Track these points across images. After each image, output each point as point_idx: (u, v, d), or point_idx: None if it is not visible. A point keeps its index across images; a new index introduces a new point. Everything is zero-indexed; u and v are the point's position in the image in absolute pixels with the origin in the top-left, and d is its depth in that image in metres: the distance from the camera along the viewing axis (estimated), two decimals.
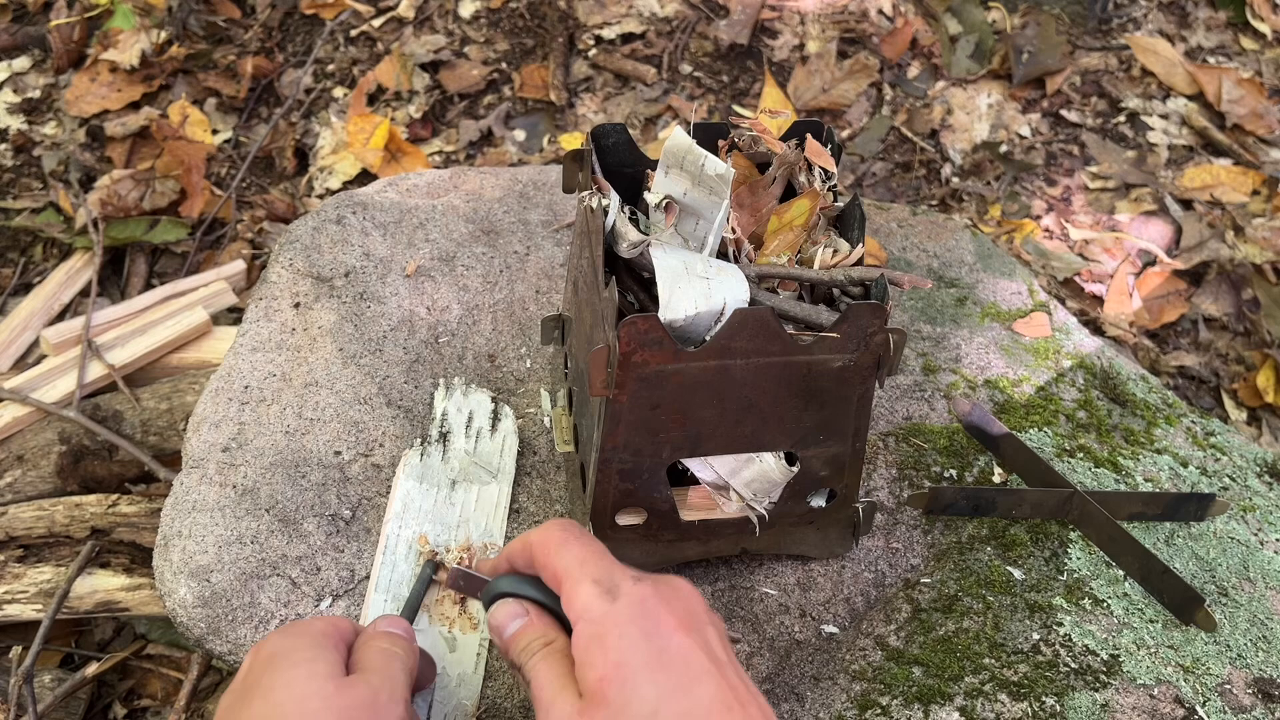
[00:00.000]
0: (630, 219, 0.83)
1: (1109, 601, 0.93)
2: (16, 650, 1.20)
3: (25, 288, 1.71)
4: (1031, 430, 1.07)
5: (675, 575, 0.70)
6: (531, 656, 0.66)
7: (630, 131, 0.88)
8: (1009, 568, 0.95)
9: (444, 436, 0.92)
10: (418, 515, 0.89)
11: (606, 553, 0.69)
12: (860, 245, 0.84)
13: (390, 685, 0.64)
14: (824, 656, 0.90)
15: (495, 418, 0.93)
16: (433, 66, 2.03)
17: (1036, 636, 0.89)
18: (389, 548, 0.87)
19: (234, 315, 1.59)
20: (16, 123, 1.93)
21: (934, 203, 1.90)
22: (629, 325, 0.73)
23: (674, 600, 0.65)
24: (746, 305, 0.76)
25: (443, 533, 0.89)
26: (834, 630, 0.93)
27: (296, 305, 1.10)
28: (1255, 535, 1.02)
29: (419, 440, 0.98)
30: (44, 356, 1.49)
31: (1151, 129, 2.00)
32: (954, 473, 1.03)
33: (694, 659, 0.62)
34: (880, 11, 2.14)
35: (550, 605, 0.70)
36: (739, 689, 0.63)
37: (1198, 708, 0.86)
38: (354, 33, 2.09)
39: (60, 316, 1.63)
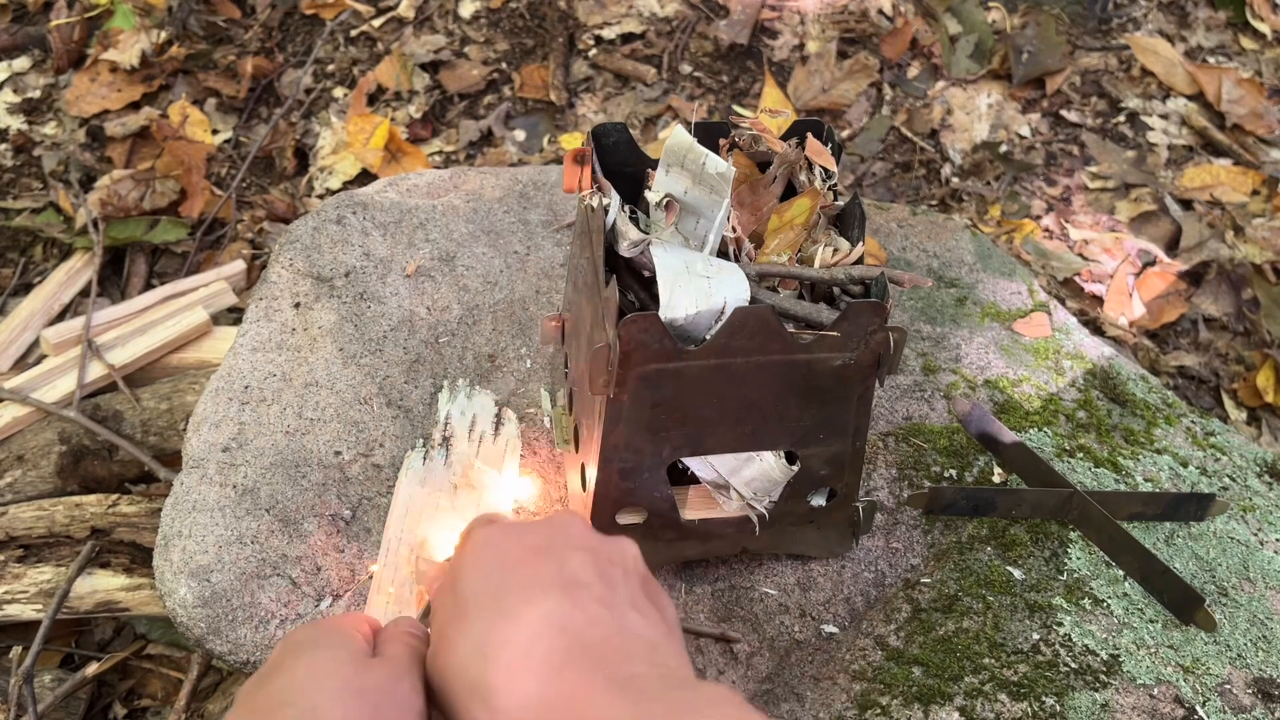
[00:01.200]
0: (630, 218, 0.83)
1: (1109, 601, 0.93)
2: (16, 650, 1.20)
3: (25, 288, 1.71)
4: (1031, 430, 1.07)
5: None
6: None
7: (630, 131, 0.88)
8: (1009, 568, 0.95)
9: (446, 440, 0.92)
10: (420, 519, 0.88)
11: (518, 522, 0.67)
12: (860, 244, 0.84)
13: (408, 672, 0.64)
14: (824, 656, 0.90)
15: (499, 421, 0.93)
16: (433, 66, 2.03)
17: (1036, 636, 0.89)
18: (391, 549, 0.87)
19: (234, 315, 1.59)
20: (16, 123, 1.93)
21: (934, 203, 1.90)
22: (629, 324, 0.73)
23: (549, 529, 0.61)
24: (747, 304, 0.76)
25: (445, 536, 0.89)
26: (834, 630, 0.93)
27: (297, 305, 1.10)
28: (1255, 535, 1.02)
29: (421, 443, 0.98)
30: (44, 356, 1.49)
31: (1151, 129, 2.00)
32: (954, 473, 1.03)
33: (530, 536, 0.58)
34: (880, 11, 2.14)
35: None
36: (590, 608, 0.55)
37: (1198, 708, 0.86)
38: (354, 33, 2.09)
39: (60, 316, 1.63)
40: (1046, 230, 1.86)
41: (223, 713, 1.16)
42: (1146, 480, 1.05)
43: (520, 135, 1.96)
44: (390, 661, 0.64)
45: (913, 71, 2.09)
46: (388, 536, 0.84)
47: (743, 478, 0.87)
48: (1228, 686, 0.88)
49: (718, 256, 0.82)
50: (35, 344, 1.58)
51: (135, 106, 1.95)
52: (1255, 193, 1.90)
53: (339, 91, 2.00)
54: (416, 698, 0.61)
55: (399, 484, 0.86)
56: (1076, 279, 1.78)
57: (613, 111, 1.99)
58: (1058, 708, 0.84)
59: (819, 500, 0.90)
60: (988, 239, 1.31)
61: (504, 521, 0.63)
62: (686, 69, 2.06)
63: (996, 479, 1.03)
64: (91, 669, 1.18)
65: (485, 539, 0.60)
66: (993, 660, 0.87)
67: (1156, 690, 0.87)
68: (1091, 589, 0.94)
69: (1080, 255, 1.82)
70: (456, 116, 1.98)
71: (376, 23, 2.10)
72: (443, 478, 0.88)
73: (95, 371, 1.41)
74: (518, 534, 0.60)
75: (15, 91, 1.98)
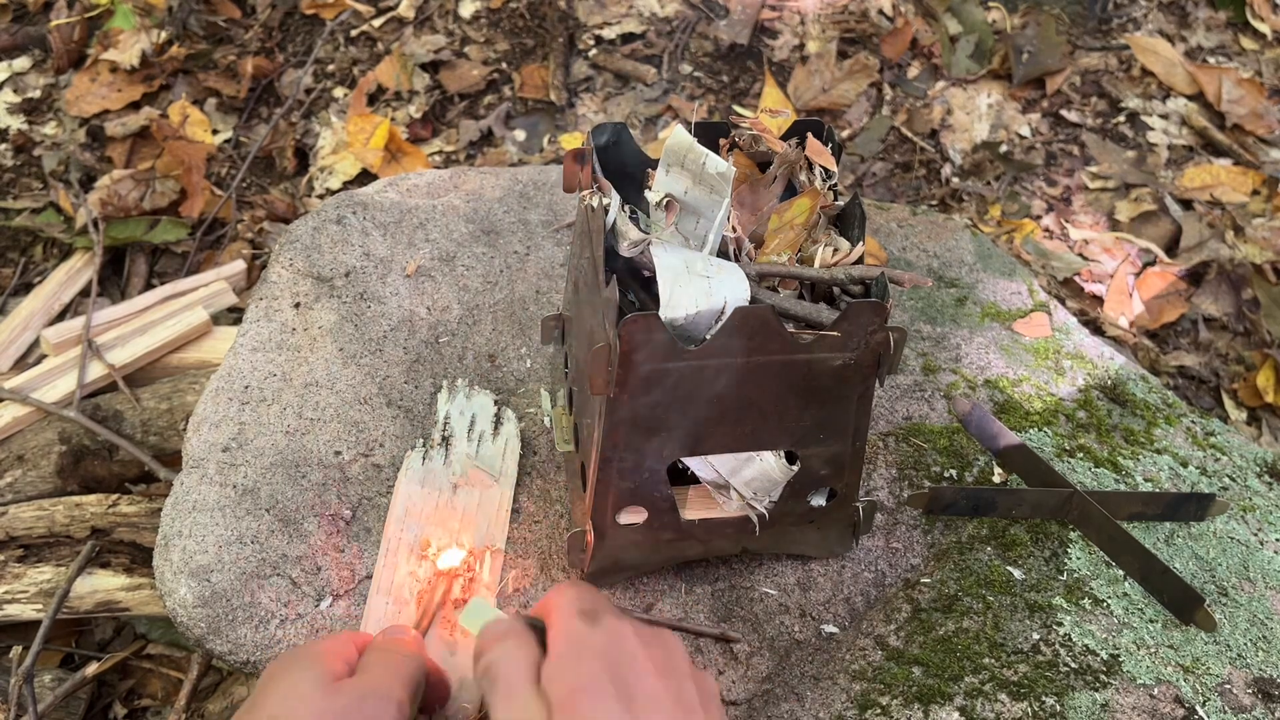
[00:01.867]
0: (631, 218, 0.83)
1: (1109, 601, 0.93)
2: (16, 650, 1.20)
3: (25, 288, 1.71)
4: (1031, 430, 1.07)
5: (669, 632, 0.69)
6: (502, 642, 0.66)
7: (630, 131, 0.88)
8: (1009, 568, 0.95)
9: (446, 440, 0.92)
10: (419, 519, 0.88)
11: (602, 596, 0.69)
12: (860, 244, 0.84)
13: (380, 689, 0.65)
14: (824, 656, 0.90)
15: (498, 421, 0.93)
16: (433, 66, 2.03)
17: (1036, 636, 0.89)
18: (390, 550, 0.87)
19: (234, 315, 1.59)
20: (16, 123, 1.93)
21: (934, 203, 1.90)
22: (629, 324, 0.73)
23: (655, 645, 0.65)
24: (747, 304, 0.76)
25: (444, 536, 0.89)
26: (834, 630, 0.93)
27: (297, 305, 1.10)
28: (1255, 535, 1.02)
29: (421, 443, 0.98)
30: (44, 356, 1.49)
31: (1151, 129, 2.00)
32: (954, 473, 1.03)
33: (662, 702, 0.62)
34: (880, 11, 2.14)
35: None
36: None
37: (1198, 708, 0.86)
38: (354, 33, 2.09)
39: (60, 316, 1.63)
40: (1046, 230, 1.86)
41: (223, 713, 1.16)
42: (1146, 480, 1.05)
43: (520, 135, 1.96)
44: (361, 681, 0.65)
45: (913, 71, 2.09)
46: (387, 536, 0.84)
47: (743, 478, 0.87)
48: (1228, 686, 0.88)
49: (718, 256, 0.82)
50: (35, 344, 1.58)
51: (135, 106, 1.95)
52: (1255, 193, 1.90)
53: (339, 91, 2.00)
54: (386, 713, 0.63)
55: (398, 484, 0.86)
56: (1076, 279, 1.78)
57: (613, 111, 1.99)
58: (1058, 708, 0.84)
59: (819, 500, 0.90)
60: (988, 239, 1.31)
61: (608, 625, 0.64)
62: (686, 69, 2.06)
63: (996, 479, 1.03)
64: (91, 669, 1.18)
65: (614, 628, 0.63)
66: (993, 660, 0.87)
67: (1156, 690, 0.87)
68: (1091, 589, 0.94)
69: (1080, 255, 1.82)
70: (456, 116, 1.98)
71: (376, 23, 2.10)
72: (443, 477, 0.87)
73: (95, 371, 1.41)
74: (638, 636, 0.63)
75: (15, 91, 1.98)
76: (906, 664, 0.87)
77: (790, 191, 0.88)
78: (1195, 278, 1.80)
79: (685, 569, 0.95)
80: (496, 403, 1.01)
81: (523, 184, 1.26)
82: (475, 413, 0.94)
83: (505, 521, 0.90)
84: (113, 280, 1.71)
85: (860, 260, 0.84)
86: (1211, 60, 2.12)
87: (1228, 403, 1.66)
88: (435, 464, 0.89)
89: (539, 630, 0.68)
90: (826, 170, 0.87)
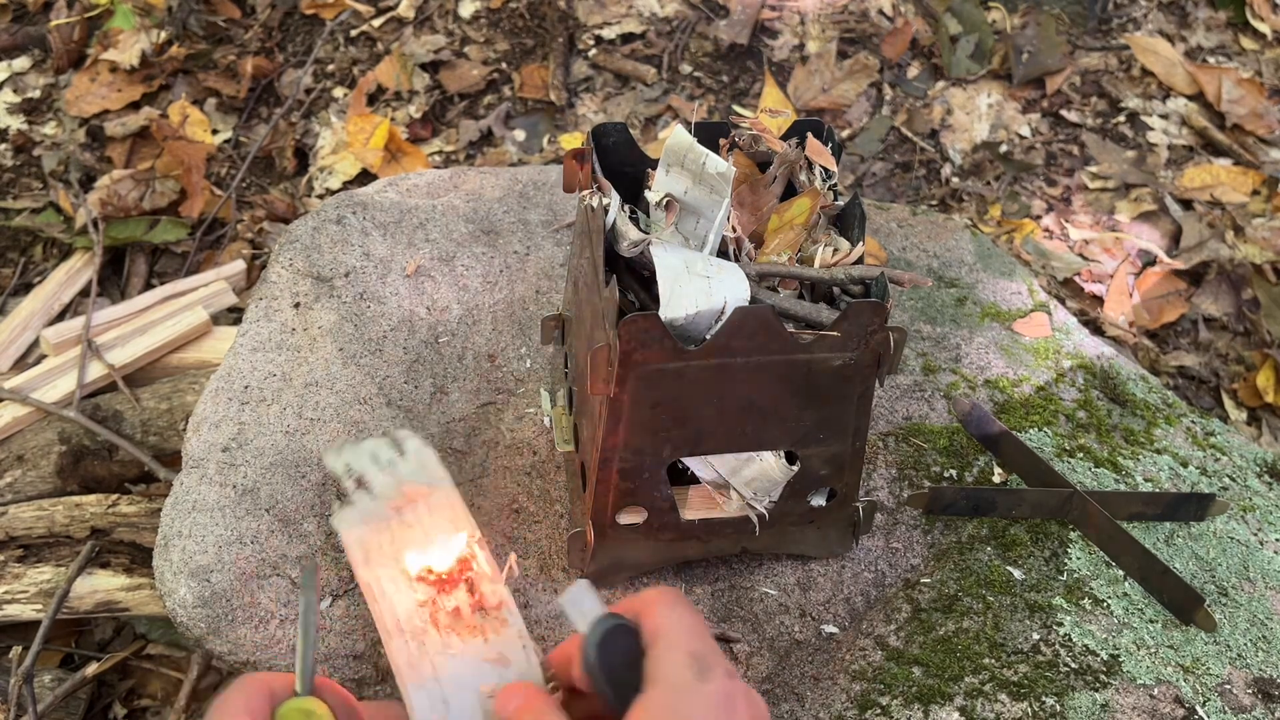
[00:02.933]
0: (631, 218, 0.83)
1: (1109, 601, 0.93)
2: (16, 650, 1.20)
3: (25, 288, 1.71)
4: (1031, 430, 1.07)
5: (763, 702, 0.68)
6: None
7: (630, 131, 0.88)
8: (1009, 568, 0.95)
9: (359, 481, 0.83)
10: (383, 554, 0.82)
11: (709, 632, 0.67)
12: (860, 244, 0.84)
13: None
14: (824, 656, 0.90)
15: (396, 444, 0.85)
16: (433, 66, 2.03)
17: (1036, 636, 0.89)
18: (376, 596, 0.80)
19: (234, 315, 1.59)
20: (16, 123, 1.93)
21: (934, 203, 1.90)
22: (629, 324, 0.73)
23: (757, 712, 0.64)
24: (747, 304, 0.76)
25: (418, 555, 0.83)
26: (834, 630, 0.93)
27: (296, 305, 1.10)
28: (1255, 535, 1.02)
29: (335, 502, 0.94)
30: (44, 356, 1.49)
31: (1151, 129, 2.00)
32: (954, 473, 1.03)
33: None
34: (880, 11, 2.14)
35: (617, 661, 0.67)
36: None
37: (1198, 708, 0.86)
38: (354, 33, 2.09)
39: (60, 316, 1.63)
40: (1046, 230, 1.86)
41: None
42: (1146, 480, 1.05)
43: (520, 135, 1.96)
44: None
45: (913, 71, 2.09)
46: (365, 586, 0.79)
47: (743, 478, 0.87)
48: (1228, 686, 0.88)
49: (718, 256, 0.82)
50: (35, 344, 1.58)
51: (135, 106, 1.95)
52: (1255, 193, 1.90)
53: (339, 91, 2.00)
54: None
55: (344, 541, 0.80)
56: (1076, 279, 1.78)
57: (613, 111, 1.99)
58: (1058, 708, 0.84)
59: (819, 500, 0.90)
60: (988, 239, 1.31)
61: (719, 685, 0.61)
62: (686, 69, 2.06)
63: (996, 479, 1.03)
64: (91, 669, 1.18)
65: (725, 689, 0.61)
66: (993, 660, 0.87)
67: (1156, 690, 0.87)
68: (1091, 589, 0.94)
69: (1080, 255, 1.82)
70: (456, 116, 1.98)
71: (376, 23, 2.10)
72: (379, 509, 0.81)
73: (95, 371, 1.41)
74: (747, 699, 0.61)
75: (15, 91, 1.98)
76: (906, 664, 0.87)
77: (790, 191, 0.88)
78: (1195, 278, 1.80)
79: (685, 569, 0.95)
80: (385, 432, 0.97)
81: (523, 184, 1.26)
82: (370, 450, 0.87)
83: (466, 513, 0.85)
84: (113, 280, 1.71)
85: (860, 260, 0.84)
86: (1211, 60, 2.12)
87: (1228, 403, 1.66)
88: (363, 504, 0.83)
89: (626, 628, 0.66)
90: (826, 170, 0.87)
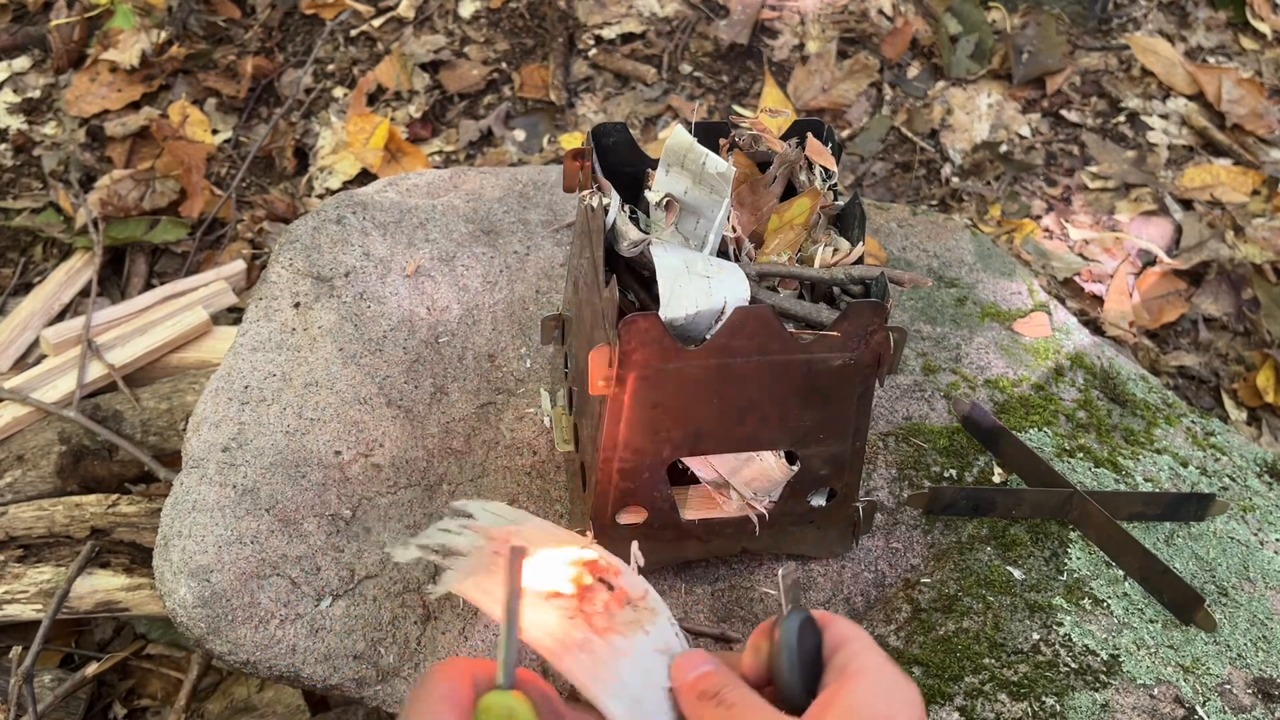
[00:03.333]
0: (631, 218, 0.83)
1: (1109, 601, 0.93)
2: (16, 650, 1.20)
3: (25, 288, 1.71)
4: (1031, 430, 1.07)
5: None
6: (736, 689, 0.65)
7: (630, 131, 0.88)
8: (1009, 568, 0.95)
9: (445, 553, 0.76)
10: (497, 583, 0.74)
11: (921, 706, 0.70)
12: (860, 244, 0.84)
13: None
14: None
15: (459, 512, 0.77)
16: (433, 66, 2.03)
17: (1036, 636, 0.89)
18: (523, 623, 0.73)
19: (234, 315, 1.59)
20: (16, 123, 1.93)
21: (934, 203, 1.90)
22: (629, 324, 0.73)
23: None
24: (747, 304, 0.76)
25: (540, 574, 0.76)
26: None
27: (296, 305, 1.10)
28: (1255, 535, 1.02)
29: (429, 584, 0.90)
30: (44, 356, 1.49)
31: (1151, 129, 2.00)
32: (954, 473, 1.03)
33: None
34: (880, 11, 2.14)
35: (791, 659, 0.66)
36: None
37: (1198, 708, 0.86)
38: (354, 33, 2.09)
39: (60, 316, 1.63)
40: (1046, 230, 1.86)
41: (223, 713, 1.16)
42: (1146, 480, 1.05)
43: (520, 135, 1.96)
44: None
45: (913, 71, 2.09)
46: (502, 619, 0.72)
47: (743, 477, 0.87)
48: (1228, 686, 0.88)
49: (718, 256, 0.82)
50: (35, 344, 1.58)
51: (135, 106, 1.95)
52: (1255, 193, 1.90)
53: (339, 91, 2.00)
54: None
55: (463, 595, 0.73)
56: (1076, 279, 1.78)
57: (613, 111, 1.99)
58: (1058, 708, 0.84)
59: (819, 500, 0.90)
60: (988, 239, 1.31)
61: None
62: (686, 69, 2.06)
63: (996, 479, 1.03)
64: (91, 669, 1.18)
65: (913, 686, 0.62)
66: (993, 660, 0.87)
67: (1156, 690, 0.87)
68: (1091, 589, 0.94)
69: (1080, 255, 1.82)
70: (456, 116, 1.98)
71: (376, 23, 2.10)
72: (478, 559, 0.75)
73: (95, 371, 1.41)
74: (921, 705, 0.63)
75: (15, 91, 1.98)
76: (906, 664, 0.87)
77: (790, 192, 0.88)
78: (1195, 278, 1.80)
79: (685, 569, 0.95)
80: (443, 512, 0.93)
81: (522, 184, 1.26)
82: (438, 529, 0.79)
83: (562, 529, 0.79)
84: (113, 280, 1.71)
85: (860, 260, 0.84)
86: (1211, 60, 2.12)
87: (1228, 403, 1.66)
88: (460, 563, 0.76)
89: (815, 623, 0.64)
90: (826, 170, 0.87)
